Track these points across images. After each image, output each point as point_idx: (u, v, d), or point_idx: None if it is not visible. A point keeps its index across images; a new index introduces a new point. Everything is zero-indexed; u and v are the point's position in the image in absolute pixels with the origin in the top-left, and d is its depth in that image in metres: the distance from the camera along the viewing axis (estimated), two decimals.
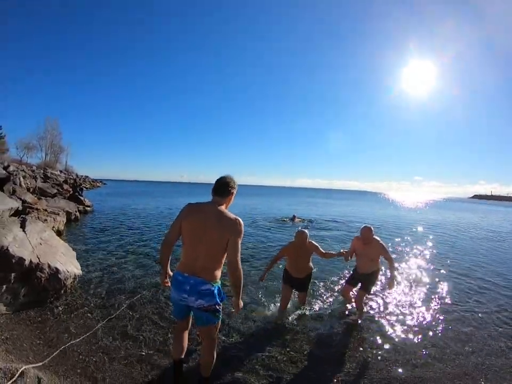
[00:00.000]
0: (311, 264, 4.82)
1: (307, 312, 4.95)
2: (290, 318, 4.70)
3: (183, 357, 2.99)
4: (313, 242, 4.70)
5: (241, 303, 2.74)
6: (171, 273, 2.82)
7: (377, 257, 4.70)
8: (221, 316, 2.70)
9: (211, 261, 2.53)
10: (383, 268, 5.20)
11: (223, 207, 2.65)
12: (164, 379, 3.18)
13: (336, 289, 6.03)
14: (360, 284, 4.90)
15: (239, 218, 2.56)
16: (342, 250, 5.06)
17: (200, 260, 2.52)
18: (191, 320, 2.93)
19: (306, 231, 4.66)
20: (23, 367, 2.88)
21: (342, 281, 6.34)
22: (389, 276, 4.76)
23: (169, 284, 2.77)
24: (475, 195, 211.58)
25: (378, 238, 4.71)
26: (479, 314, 5.24)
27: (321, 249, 4.71)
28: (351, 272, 5.15)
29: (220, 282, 2.62)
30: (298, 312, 4.90)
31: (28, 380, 2.74)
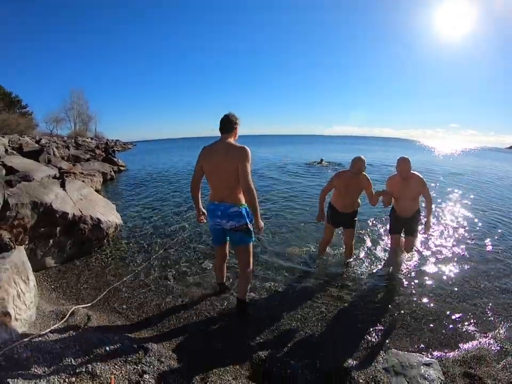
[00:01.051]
0: (359, 200, 4.35)
1: (352, 261, 4.69)
2: (329, 263, 4.74)
3: (224, 281, 3.72)
4: (367, 176, 4.19)
5: (262, 223, 2.98)
6: (204, 211, 3.32)
7: (418, 195, 4.18)
8: (253, 237, 3.11)
9: (232, 188, 2.89)
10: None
11: (230, 140, 2.98)
12: (200, 307, 3.51)
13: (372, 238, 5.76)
14: (404, 229, 4.47)
15: (245, 146, 2.86)
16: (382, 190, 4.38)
17: (223, 188, 2.92)
18: (228, 248, 3.45)
19: (363, 157, 4.09)
20: (73, 308, 3.17)
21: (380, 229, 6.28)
22: (425, 217, 4.26)
23: (204, 220, 3.31)
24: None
25: (417, 173, 4.14)
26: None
27: (372, 188, 4.23)
28: (391, 219, 4.55)
29: (246, 205, 2.96)
30: (342, 257, 4.76)
31: (78, 318, 3.02)
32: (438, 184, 12.15)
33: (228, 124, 3.01)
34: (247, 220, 2.96)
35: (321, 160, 18.43)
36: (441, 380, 2.50)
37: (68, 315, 3.01)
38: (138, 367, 2.34)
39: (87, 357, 2.36)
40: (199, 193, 3.25)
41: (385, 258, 4.85)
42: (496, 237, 6.08)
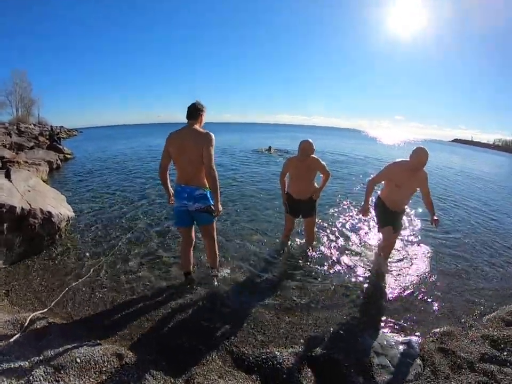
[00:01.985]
0: (316, 184, 4.25)
1: (313, 254, 4.57)
2: (292, 252, 4.67)
3: (191, 270, 3.68)
4: (318, 159, 4.09)
5: (221, 207, 3.20)
6: (172, 192, 3.41)
7: (415, 191, 3.87)
8: (216, 217, 3.30)
9: (197, 171, 3.08)
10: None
11: (196, 126, 3.13)
12: (169, 304, 3.33)
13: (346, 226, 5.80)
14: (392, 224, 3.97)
15: (209, 132, 3.04)
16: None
17: (189, 171, 3.09)
18: (193, 232, 3.52)
19: (310, 140, 3.98)
20: (31, 315, 2.81)
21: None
22: (431, 213, 3.79)
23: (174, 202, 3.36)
24: (455, 139, 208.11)
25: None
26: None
27: (327, 169, 4.12)
28: (380, 210, 4.02)
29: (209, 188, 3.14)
30: (303, 249, 4.67)
31: (38, 326, 2.68)
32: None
33: (194, 111, 3.16)
34: (211, 201, 3.17)
35: (270, 147, 18.71)
36: (420, 356, 2.64)
37: (26, 324, 2.66)
38: (117, 378, 2.10)
39: (58, 373, 2.07)
40: (167, 178, 3.36)
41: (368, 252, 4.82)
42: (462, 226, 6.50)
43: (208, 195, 3.16)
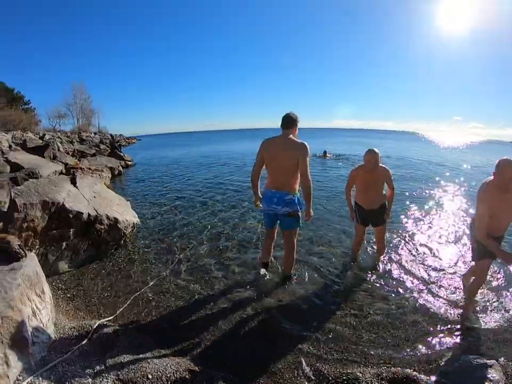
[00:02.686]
0: (384, 192, 4.03)
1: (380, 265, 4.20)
2: (362, 263, 4.31)
3: (269, 261, 3.94)
4: (387, 169, 3.86)
5: (312, 212, 3.38)
6: (261, 196, 3.55)
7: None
8: (301, 223, 3.52)
9: (288, 178, 3.29)
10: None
11: (291, 135, 3.32)
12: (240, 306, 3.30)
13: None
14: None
15: (305, 143, 3.20)
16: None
17: (280, 178, 3.31)
18: (276, 231, 3.75)
19: (376, 150, 3.73)
20: (97, 323, 2.76)
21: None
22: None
23: (260, 205, 3.61)
24: None
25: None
26: None
27: (393, 184, 3.95)
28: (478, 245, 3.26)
29: (298, 194, 3.39)
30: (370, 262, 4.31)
31: (104, 335, 2.61)
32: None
33: (290, 121, 3.32)
34: (298, 207, 3.37)
35: (325, 152, 17.72)
36: (504, 380, 2.29)
37: (91, 331, 2.61)
38: None
39: None
40: (258, 182, 3.53)
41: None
42: None
43: (296, 201, 3.35)
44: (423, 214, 6.53)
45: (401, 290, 3.64)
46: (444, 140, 64.89)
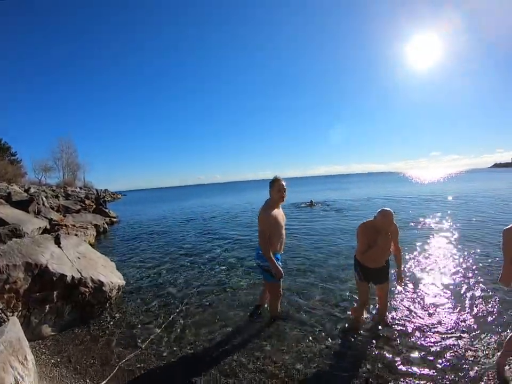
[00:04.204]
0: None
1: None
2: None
3: (261, 304, 4.32)
4: (397, 227, 3.63)
5: (278, 270, 3.62)
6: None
7: None
8: (272, 278, 3.71)
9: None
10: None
11: (268, 198, 3.88)
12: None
13: None
14: None
15: (261, 210, 3.76)
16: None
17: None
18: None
19: (389, 209, 3.43)
20: None
21: None
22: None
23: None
24: (495, 164, 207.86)
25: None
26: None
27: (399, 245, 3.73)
28: None
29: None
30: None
31: None
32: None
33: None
34: (259, 261, 3.80)
35: (311, 201, 18.30)
36: None
37: None
38: None
39: None
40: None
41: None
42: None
43: (260, 254, 3.71)
44: (426, 259, 6.37)
45: (410, 357, 3.20)
46: (424, 176, 66.71)
